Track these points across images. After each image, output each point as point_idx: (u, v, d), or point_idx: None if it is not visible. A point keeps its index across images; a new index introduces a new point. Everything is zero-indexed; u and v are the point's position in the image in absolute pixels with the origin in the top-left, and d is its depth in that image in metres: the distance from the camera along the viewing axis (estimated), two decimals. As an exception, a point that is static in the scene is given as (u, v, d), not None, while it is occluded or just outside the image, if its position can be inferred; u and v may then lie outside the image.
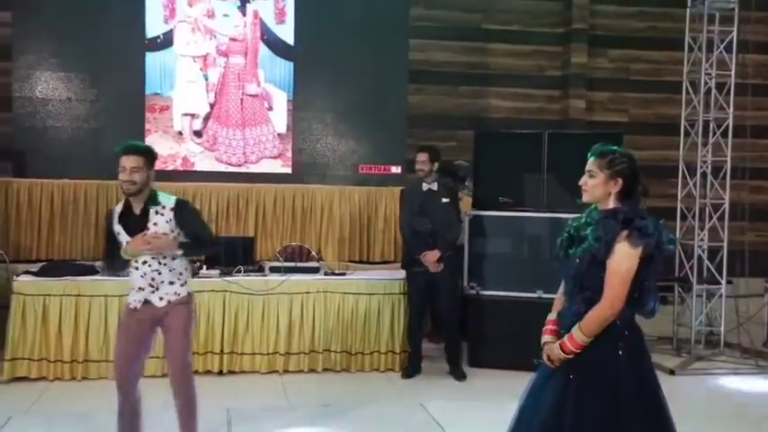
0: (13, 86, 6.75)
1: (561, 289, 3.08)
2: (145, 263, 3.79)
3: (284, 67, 7.11)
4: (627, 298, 2.79)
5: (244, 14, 6.99)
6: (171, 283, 3.83)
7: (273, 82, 7.13)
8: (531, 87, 8.40)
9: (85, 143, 6.73)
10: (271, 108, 7.13)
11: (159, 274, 3.80)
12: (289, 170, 7.23)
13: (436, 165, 5.91)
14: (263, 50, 7.05)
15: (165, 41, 6.88)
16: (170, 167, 6.94)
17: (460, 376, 5.93)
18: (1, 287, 6.02)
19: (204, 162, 7.04)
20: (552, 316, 3.06)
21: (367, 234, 7.22)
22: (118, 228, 3.78)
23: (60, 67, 6.83)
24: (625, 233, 2.77)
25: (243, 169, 7.13)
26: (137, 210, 3.77)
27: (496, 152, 6.37)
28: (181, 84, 6.95)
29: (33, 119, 6.77)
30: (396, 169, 7.34)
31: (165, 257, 3.79)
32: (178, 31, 6.88)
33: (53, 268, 5.84)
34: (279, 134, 7.17)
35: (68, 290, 5.54)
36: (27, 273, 5.74)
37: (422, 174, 5.90)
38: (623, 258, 2.76)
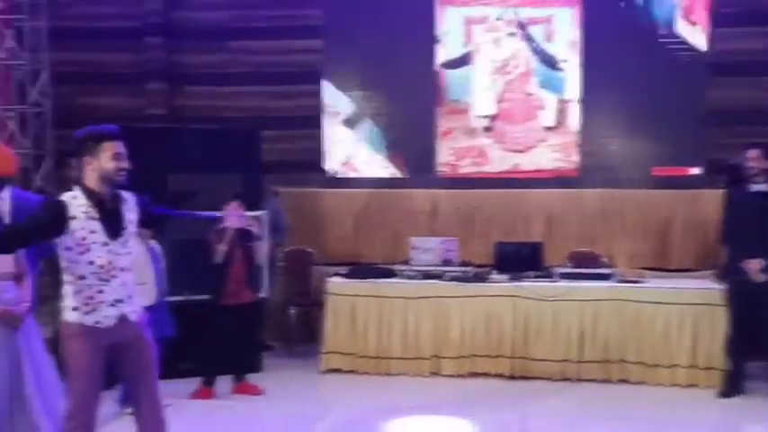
0: (323, 106, 7.41)
1: None
2: (123, 269, 3.14)
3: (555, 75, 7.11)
4: None
5: (521, 38, 7.18)
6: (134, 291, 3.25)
7: (547, 87, 7.13)
8: None
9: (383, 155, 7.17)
10: (542, 107, 7.14)
11: (132, 281, 3.22)
12: (576, 174, 7.01)
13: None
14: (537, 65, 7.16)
15: (463, 60, 7.28)
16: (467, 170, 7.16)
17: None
18: (316, 287, 6.62)
19: (495, 152, 7.19)
20: None
21: (663, 241, 6.71)
22: (86, 224, 3.06)
23: (362, 87, 7.35)
24: None
25: (530, 170, 7.06)
26: (110, 204, 3.14)
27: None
28: (476, 91, 7.24)
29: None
30: (695, 170, 6.74)
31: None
32: (475, 52, 7.28)
33: (360, 271, 6.27)
34: (547, 127, 7.12)
35: (373, 291, 5.91)
36: (337, 275, 6.24)
37: (752, 172, 5.34)
38: None
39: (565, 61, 7.06)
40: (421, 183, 7.18)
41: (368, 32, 7.26)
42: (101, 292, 3.09)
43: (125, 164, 3.12)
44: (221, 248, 5.31)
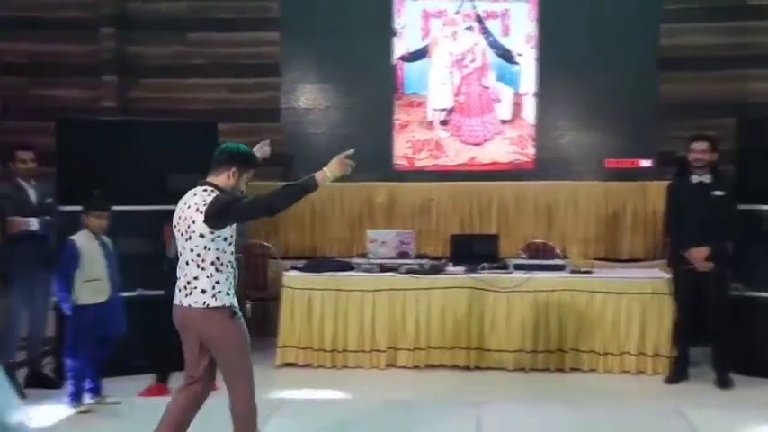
0: (282, 99, 7.31)
1: None
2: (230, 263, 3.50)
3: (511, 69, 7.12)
4: None
5: (478, 32, 7.19)
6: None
7: (503, 81, 7.14)
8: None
9: (340, 148, 7.06)
10: (499, 100, 7.16)
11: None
12: (532, 167, 7.04)
13: (715, 156, 5.40)
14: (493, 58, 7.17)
15: (421, 54, 7.26)
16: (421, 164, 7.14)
17: (725, 384, 5.35)
18: (272, 281, 6.55)
19: (451, 145, 7.17)
20: None
21: (615, 231, 6.78)
22: None
23: (320, 79, 7.28)
24: None
25: (486, 163, 7.07)
26: None
27: (763, 140, 5.66)
28: (434, 84, 7.23)
29: (298, 127, 7.29)
30: (645, 163, 6.81)
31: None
32: (432, 45, 7.26)
33: (316, 265, 6.22)
34: (503, 120, 7.15)
35: (330, 284, 5.87)
36: (294, 268, 6.18)
37: (699, 164, 5.40)
38: None
39: (520, 55, 7.08)
40: (378, 176, 7.14)
41: (326, 25, 7.19)
42: (234, 278, 3.51)
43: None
44: (173, 243, 5.21)
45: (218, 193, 3.42)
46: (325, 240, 6.95)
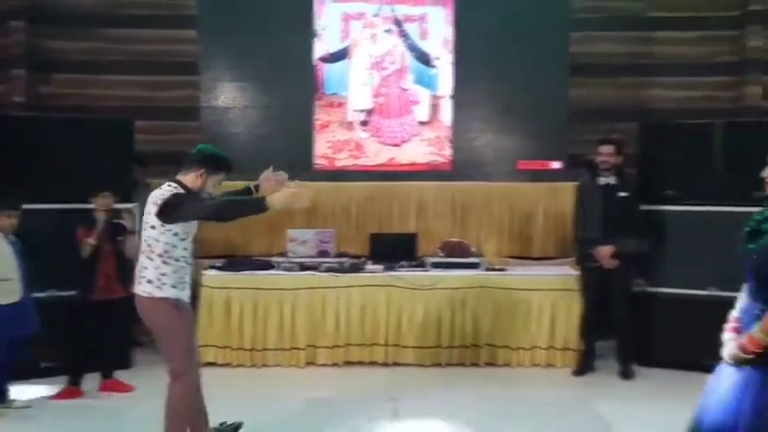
0: (200, 97, 7.21)
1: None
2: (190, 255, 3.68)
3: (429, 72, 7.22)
4: None
5: (397, 35, 7.23)
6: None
7: (421, 83, 7.23)
8: (701, 75, 7.75)
9: (258, 147, 7.03)
10: (417, 102, 7.24)
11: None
12: (448, 168, 7.19)
13: (620, 159, 5.66)
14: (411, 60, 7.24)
15: (341, 55, 7.25)
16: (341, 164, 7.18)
17: (628, 375, 5.63)
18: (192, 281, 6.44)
19: (371, 146, 7.22)
20: (735, 313, 2.79)
21: (527, 230, 7.00)
22: None
23: (239, 78, 7.21)
24: None
25: (405, 164, 7.17)
26: None
27: (663, 144, 5.98)
28: (354, 85, 7.25)
29: (217, 125, 7.20)
30: (556, 164, 7.06)
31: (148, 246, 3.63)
32: (352, 47, 7.25)
33: (235, 264, 6.17)
34: (421, 122, 7.22)
35: (249, 283, 5.83)
36: (212, 267, 6.11)
37: (605, 167, 5.66)
38: None
39: (438, 59, 7.21)
40: (298, 175, 7.09)
41: (245, 24, 7.10)
42: (186, 273, 3.64)
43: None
44: (89, 243, 5.09)
45: (180, 190, 3.52)
46: (245, 239, 6.88)
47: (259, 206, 3.39)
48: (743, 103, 7.61)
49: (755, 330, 2.58)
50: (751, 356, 2.58)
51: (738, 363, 2.63)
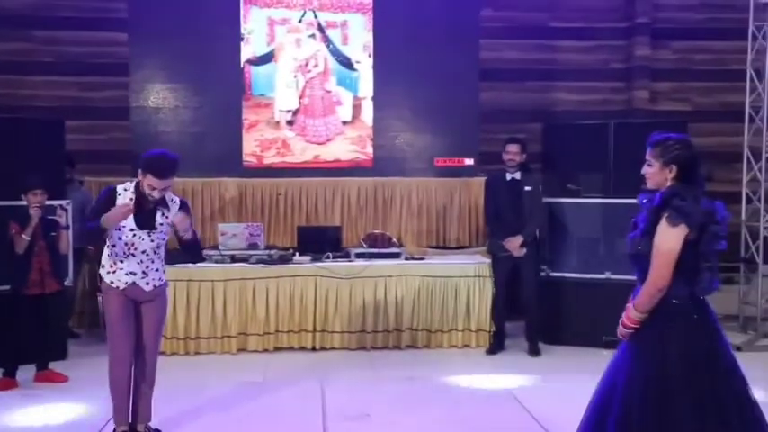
0: (131, 98, 7.10)
1: None
2: (144, 252, 3.82)
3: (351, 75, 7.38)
4: (679, 276, 2.73)
5: (320, 40, 7.36)
6: (157, 270, 3.92)
7: (343, 85, 7.39)
8: (596, 81, 8.21)
9: (190, 146, 7.00)
10: (340, 103, 7.40)
11: (152, 262, 3.89)
12: (370, 165, 7.35)
13: (524, 156, 5.93)
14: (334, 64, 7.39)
15: (267, 58, 7.31)
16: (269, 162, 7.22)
17: (536, 352, 5.93)
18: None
19: (297, 144, 7.32)
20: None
21: (443, 222, 7.25)
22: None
23: (169, 80, 7.14)
24: (666, 214, 2.73)
25: (329, 161, 7.28)
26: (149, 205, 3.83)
27: (564, 143, 6.32)
28: (280, 87, 7.33)
29: (147, 125, 7.12)
30: (469, 161, 7.33)
31: (159, 248, 3.88)
32: (278, 50, 7.33)
33: (167, 257, 6.12)
34: (344, 122, 7.38)
35: (182, 275, 5.82)
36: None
37: (512, 164, 5.92)
38: (664, 238, 2.73)
39: (359, 62, 7.36)
40: (228, 172, 7.12)
41: (174, 28, 7.07)
42: (121, 261, 3.83)
43: (157, 194, 3.81)
44: (24, 238, 4.98)
45: (131, 188, 3.86)
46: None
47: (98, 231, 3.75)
48: (633, 106, 8.11)
49: (631, 307, 2.82)
50: (630, 331, 2.82)
51: (623, 337, 2.87)
